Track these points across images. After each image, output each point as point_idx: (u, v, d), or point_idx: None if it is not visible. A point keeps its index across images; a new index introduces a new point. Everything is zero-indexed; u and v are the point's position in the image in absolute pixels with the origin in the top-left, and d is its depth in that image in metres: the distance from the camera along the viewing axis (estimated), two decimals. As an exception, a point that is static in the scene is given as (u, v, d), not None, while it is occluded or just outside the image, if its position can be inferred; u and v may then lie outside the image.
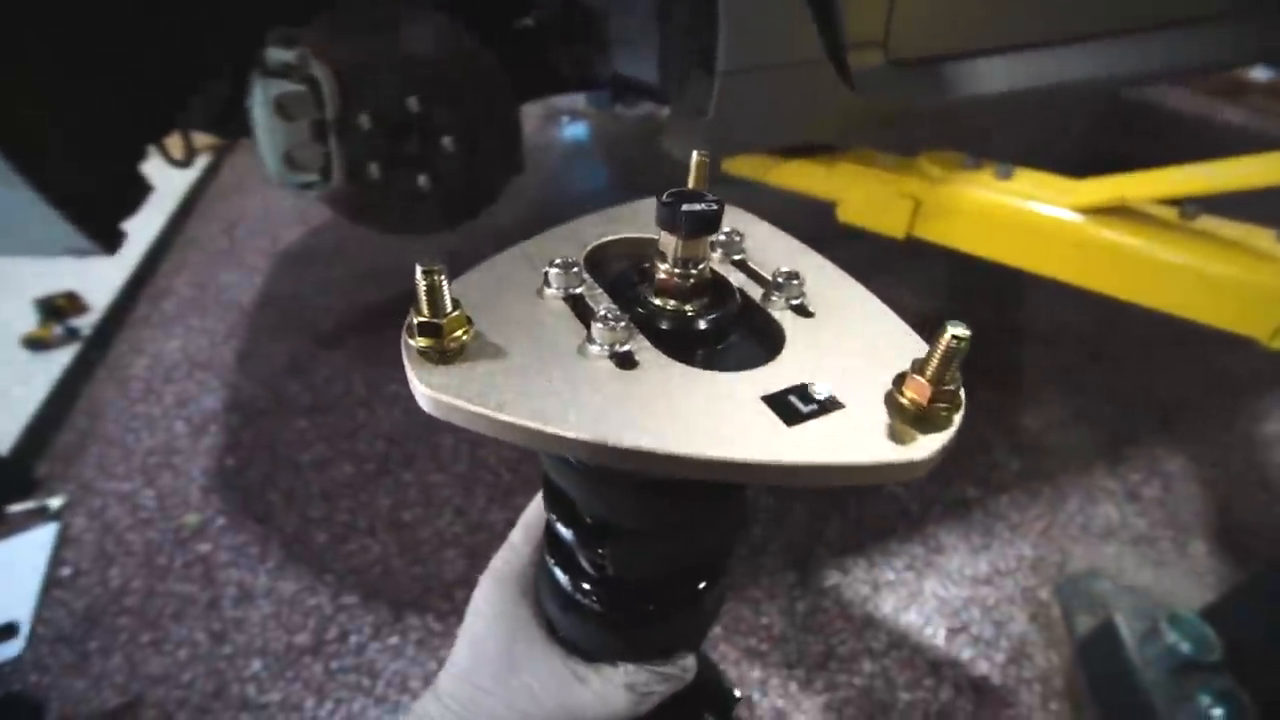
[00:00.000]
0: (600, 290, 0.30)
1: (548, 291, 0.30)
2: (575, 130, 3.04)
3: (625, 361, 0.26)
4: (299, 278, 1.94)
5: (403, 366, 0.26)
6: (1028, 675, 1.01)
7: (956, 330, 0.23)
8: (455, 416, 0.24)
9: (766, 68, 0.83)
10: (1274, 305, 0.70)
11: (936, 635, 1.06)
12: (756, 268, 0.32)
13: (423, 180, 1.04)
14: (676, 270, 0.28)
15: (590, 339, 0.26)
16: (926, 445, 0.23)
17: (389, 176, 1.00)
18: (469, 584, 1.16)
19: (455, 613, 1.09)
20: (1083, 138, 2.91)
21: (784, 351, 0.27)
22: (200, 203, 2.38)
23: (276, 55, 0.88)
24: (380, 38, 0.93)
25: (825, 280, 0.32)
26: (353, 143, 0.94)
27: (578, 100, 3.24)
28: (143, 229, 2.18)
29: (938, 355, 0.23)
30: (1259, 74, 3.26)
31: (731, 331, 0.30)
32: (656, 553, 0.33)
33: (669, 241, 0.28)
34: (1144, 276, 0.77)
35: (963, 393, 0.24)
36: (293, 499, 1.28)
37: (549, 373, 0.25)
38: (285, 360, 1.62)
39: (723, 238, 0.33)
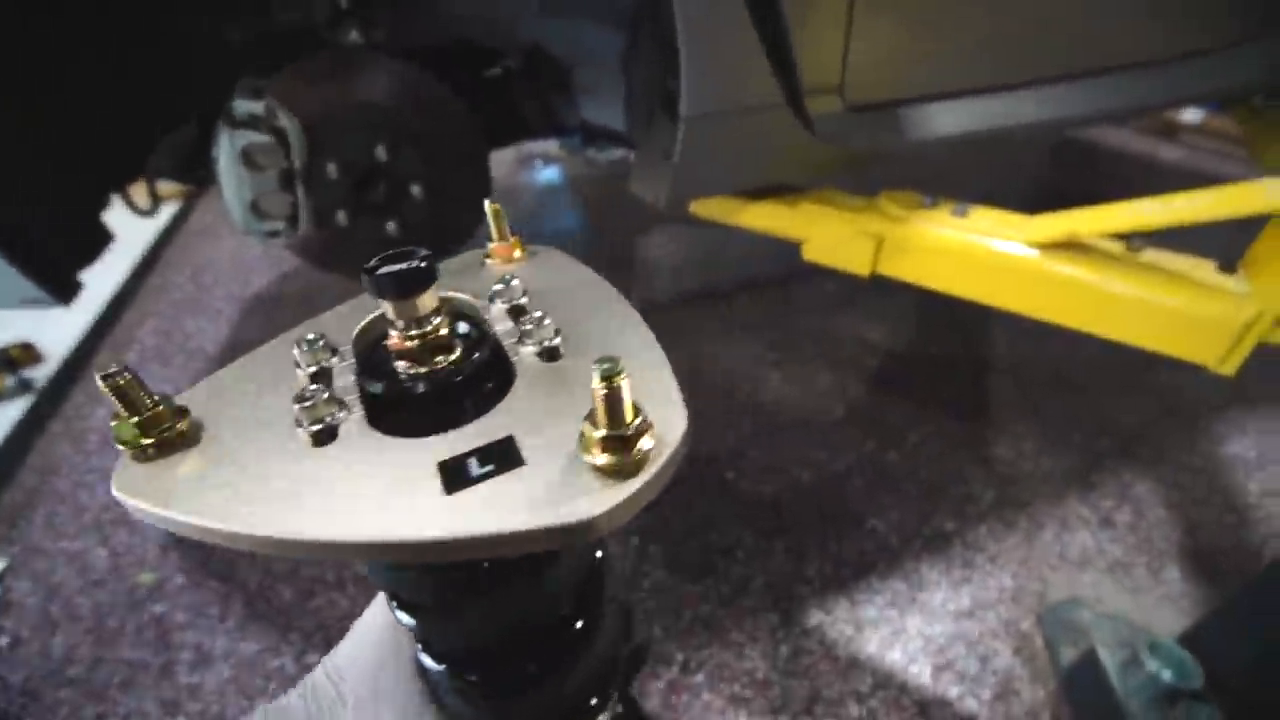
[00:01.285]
0: (348, 363, 0.28)
1: (298, 372, 0.28)
2: (548, 174, 3.10)
3: (323, 437, 0.24)
4: (268, 323, 1.90)
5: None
6: (1015, 711, 0.99)
7: (603, 368, 0.21)
8: (145, 517, 0.23)
9: (728, 112, 0.86)
10: (1219, 332, 0.73)
11: (922, 674, 1.04)
12: (534, 312, 0.29)
13: (391, 227, 1.04)
14: (408, 333, 0.26)
15: (296, 418, 0.25)
16: (598, 502, 0.20)
17: (357, 224, 1.00)
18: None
19: (426, 670, 1.04)
20: (1033, 175, 3.06)
21: (501, 403, 0.25)
22: (167, 250, 2.35)
23: (243, 106, 0.88)
24: (347, 87, 0.94)
25: (604, 322, 0.29)
26: (320, 191, 0.94)
27: (551, 145, 3.31)
28: (106, 277, 2.14)
29: (598, 400, 0.21)
30: (1190, 116, 3.49)
31: (470, 387, 0.27)
32: (468, 626, 0.30)
33: (386, 306, 0.26)
34: (1096, 308, 0.79)
35: (650, 440, 0.22)
36: (255, 554, 1.23)
37: (248, 461, 0.24)
38: (251, 408, 1.58)
39: (499, 286, 0.31)
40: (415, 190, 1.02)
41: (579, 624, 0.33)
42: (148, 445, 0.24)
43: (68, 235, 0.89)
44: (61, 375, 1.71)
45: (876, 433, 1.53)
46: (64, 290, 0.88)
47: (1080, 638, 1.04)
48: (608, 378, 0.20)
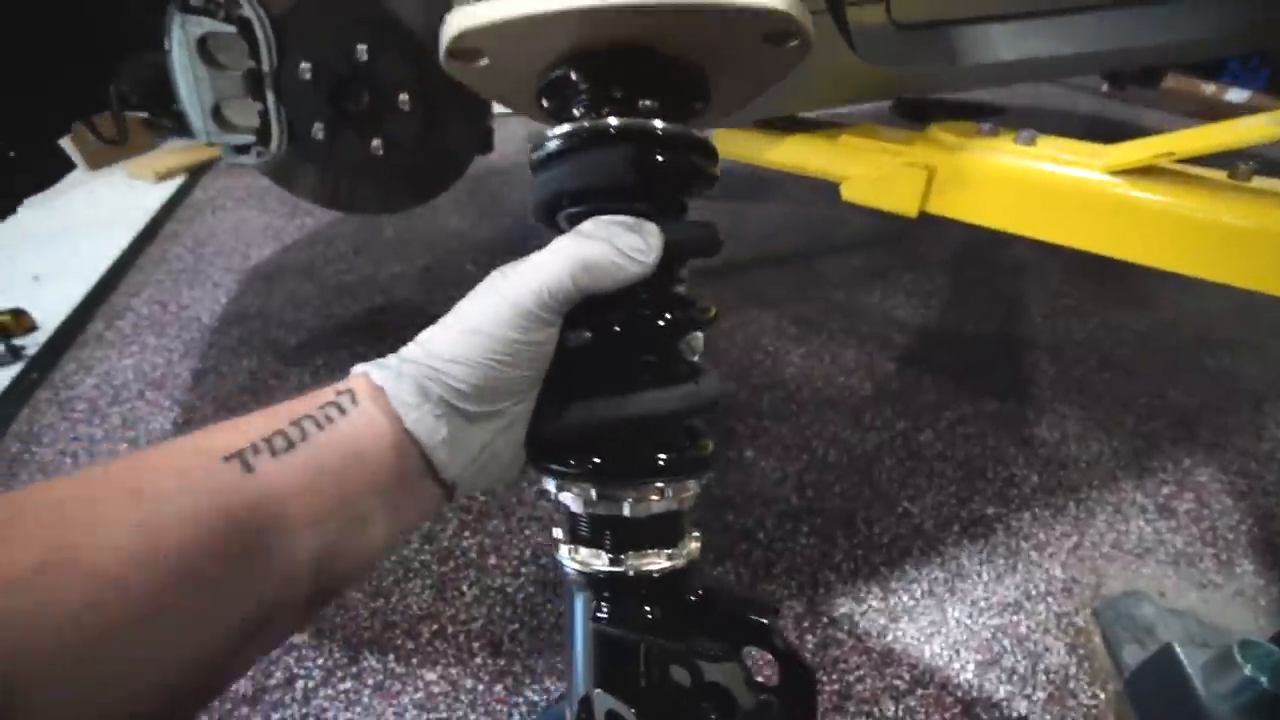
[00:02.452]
0: None
1: None
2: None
3: None
4: (267, 294, 1.83)
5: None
6: (1073, 714, 0.89)
7: None
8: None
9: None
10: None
11: (965, 671, 0.94)
12: None
13: (376, 144, 0.93)
14: None
15: None
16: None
17: (337, 139, 0.88)
18: (436, 618, 1.03)
19: (419, 652, 0.95)
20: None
21: None
22: (169, 223, 2.29)
23: (198, -15, 0.77)
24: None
25: None
26: (293, 98, 0.83)
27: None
28: (105, 248, 2.08)
29: None
30: (1235, 96, 3.31)
31: None
32: None
33: None
34: (1197, 242, 0.68)
35: None
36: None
37: None
38: (245, 378, 1.51)
39: None
40: (402, 100, 0.90)
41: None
42: None
43: (18, 159, 0.81)
44: (53, 343, 1.65)
45: (908, 411, 1.41)
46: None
47: (1146, 635, 0.93)
48: None
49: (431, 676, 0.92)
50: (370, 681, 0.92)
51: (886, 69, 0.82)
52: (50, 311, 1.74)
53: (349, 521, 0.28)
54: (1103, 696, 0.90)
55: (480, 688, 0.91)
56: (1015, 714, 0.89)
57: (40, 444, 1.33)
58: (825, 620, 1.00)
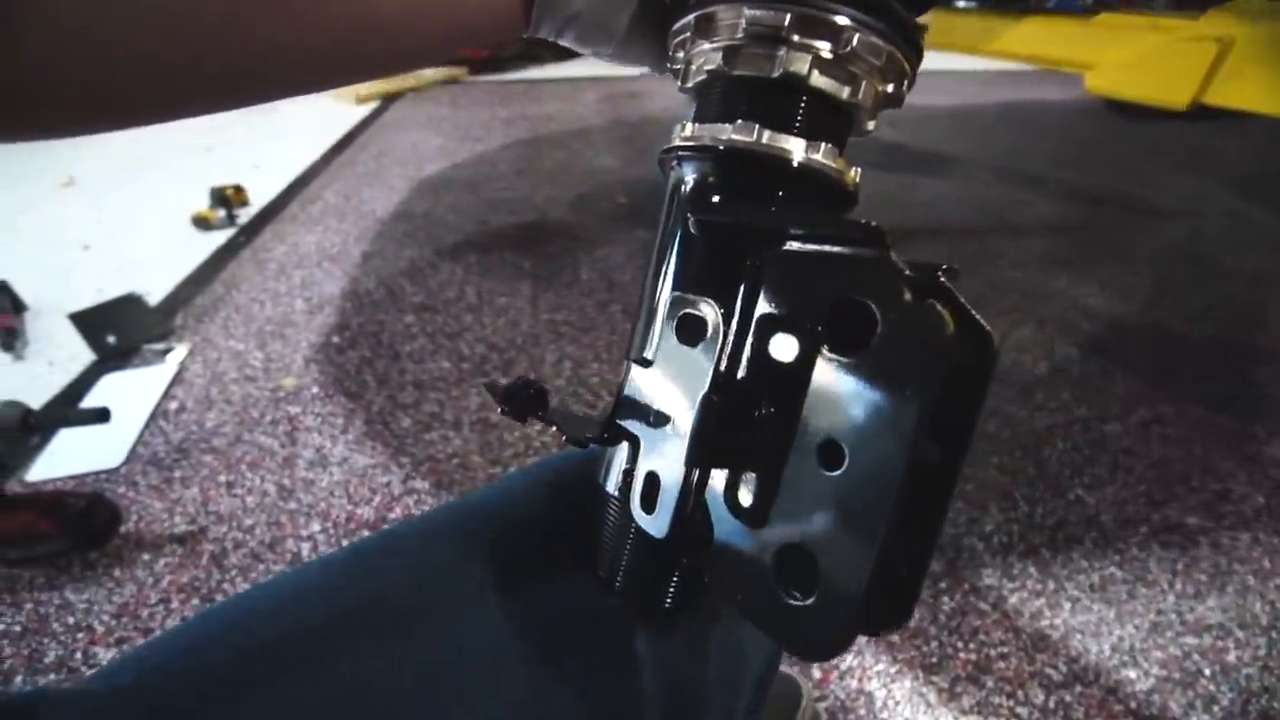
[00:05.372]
0: None
1: None
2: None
3: None
4: (434, 200, 1.97)
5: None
6: (1294, 767, 0.70)
7: None
8: None
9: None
10: None
11: (1143, 681, 0.77)
12: None
13: None
14: None
15: None
16: None
17: None
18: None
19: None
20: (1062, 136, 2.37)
21: None
22: (360, 136, 2.54)
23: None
24: None
25: None
26: None
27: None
28: (308, 151, 2.36)
29: None
30: None
31: None
32: None
33: None
34: None
35: None
36: (386, 382, 1.23)
37: None
38: (406, 264, 1.62)
39: None
40: None
41: None
42: None
43: None
44: (260, 216, 1.88)
45: (1092, 399, 1.21)
46: None
47: None
48: None
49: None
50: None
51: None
52: (261, 192, 1.99)
53: None
54: (1342, 758, 0.70)
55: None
56: (1209, 746, 0.71)
57: (238, 290, 1.52)
58: (966, 587, 0.87)
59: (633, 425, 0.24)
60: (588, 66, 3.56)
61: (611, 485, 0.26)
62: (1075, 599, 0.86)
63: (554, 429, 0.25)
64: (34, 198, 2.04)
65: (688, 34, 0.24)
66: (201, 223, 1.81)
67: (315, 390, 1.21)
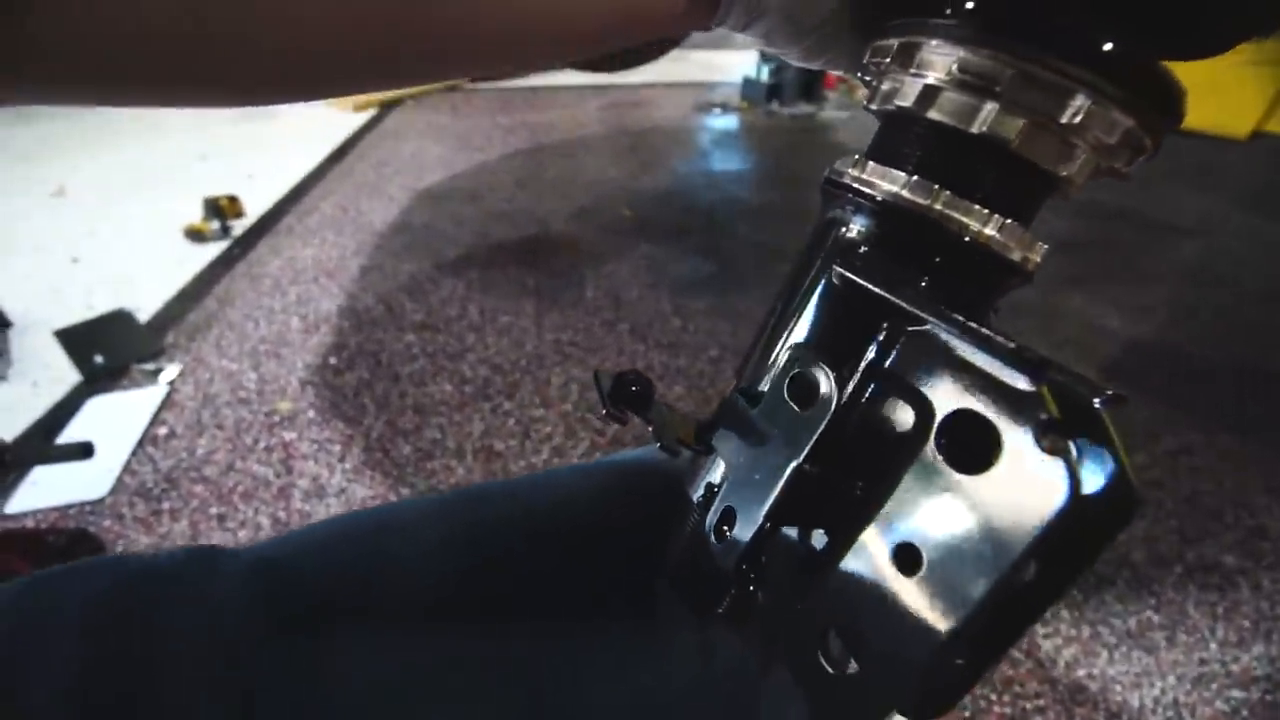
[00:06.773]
0: None
1: None
2: (725, 121, 2.93)
3: None
4: (434, 212, 1.92)
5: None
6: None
7: None
8: None
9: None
10: None
11: (1188, 738, 0.73)
12: None
13: None
14: None
15: None
16: None
17: None
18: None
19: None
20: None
21: None
22: (358, 146, 2.50)
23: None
24: None
25: None
26: None
27: (733, 95, 3.14)
28: (305, 160, 2.31)
29: None
30: None
31: None
32: None
33: None
34: None
35: None
36: (385, 406, 1.18)
37: None
38: (405, 279, 1.57)
39: None
40: None
41: None
42: None
43: None
44: (255, 228, 1.83)
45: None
46: None
47: None
48: None
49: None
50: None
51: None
52: (256, 203, 1.94)
53: None
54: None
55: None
56: (1262, 811, 0.67)
57: (232, 306, 1.47)
58: (997, 633, 0.82)
59: (724, 448, 0.23)
60: (588, 73, 3.52)
61: (694, 493, 0.26)
62: (1112, 645, 0.82)
63: (650, 428, 0.24)
64: (23, 207, 1.99)
65: (888, 58, 0.21)
66: (195, 235, 1.76)
67: (311, 414, 1.16)
